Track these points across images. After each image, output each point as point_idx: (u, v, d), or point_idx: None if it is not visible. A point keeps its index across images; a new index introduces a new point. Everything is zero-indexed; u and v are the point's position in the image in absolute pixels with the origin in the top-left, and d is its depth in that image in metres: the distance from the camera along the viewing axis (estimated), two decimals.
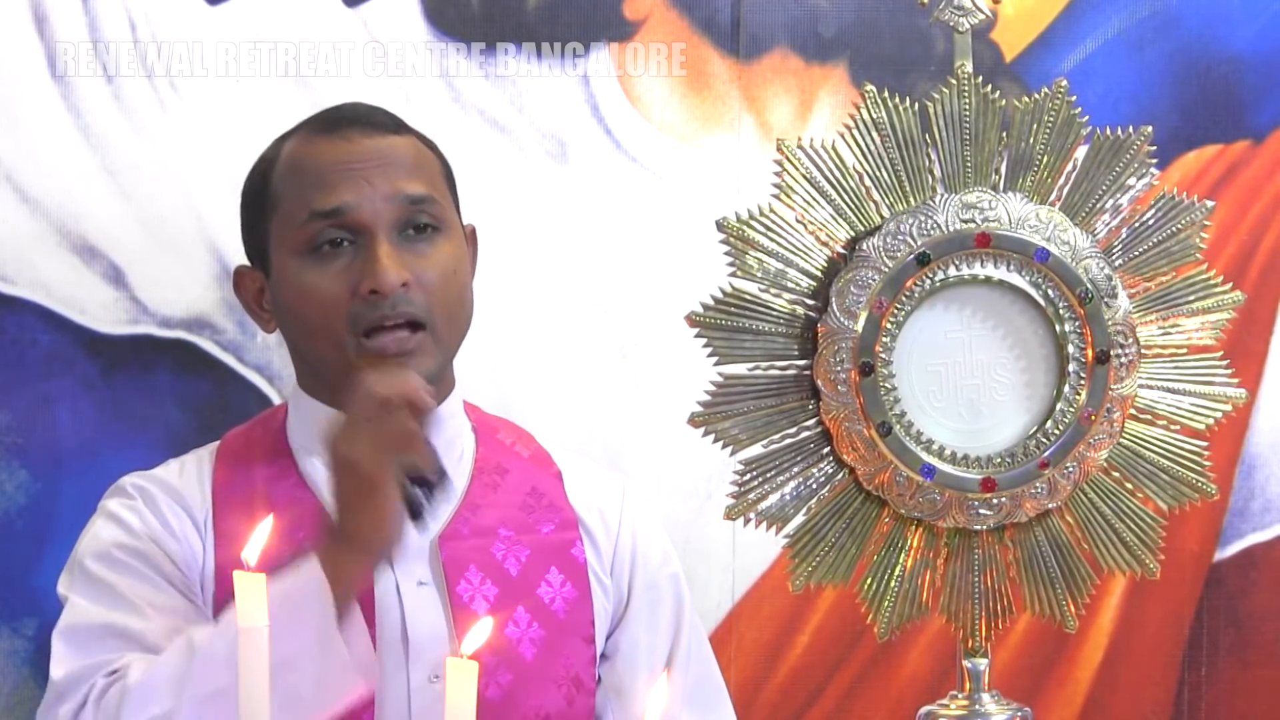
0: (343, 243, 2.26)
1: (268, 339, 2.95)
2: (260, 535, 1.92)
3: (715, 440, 2.26)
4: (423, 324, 2.27)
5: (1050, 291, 2.28)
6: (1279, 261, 3.19)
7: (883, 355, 2.25)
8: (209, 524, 2.28)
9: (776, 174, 2.25)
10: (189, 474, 2.32)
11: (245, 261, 2.37)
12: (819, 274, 2.26)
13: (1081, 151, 2.31)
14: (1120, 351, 2.29)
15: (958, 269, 2.27)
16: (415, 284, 2.26)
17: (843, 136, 2.27)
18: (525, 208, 3.03)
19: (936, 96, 2.28)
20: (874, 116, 2.26)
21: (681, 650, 2.41)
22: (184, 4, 2.97)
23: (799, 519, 2.28)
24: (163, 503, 2.29)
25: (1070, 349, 2.29)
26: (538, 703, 2.29)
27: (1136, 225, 2.33)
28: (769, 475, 2.27)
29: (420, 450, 2.15)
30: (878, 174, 2.26)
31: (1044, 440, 2.29)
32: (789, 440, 2.27)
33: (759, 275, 2.24)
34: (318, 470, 2.31)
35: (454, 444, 2.36)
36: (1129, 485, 2.33)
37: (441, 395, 2.33)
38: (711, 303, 2.24)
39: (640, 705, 1.98)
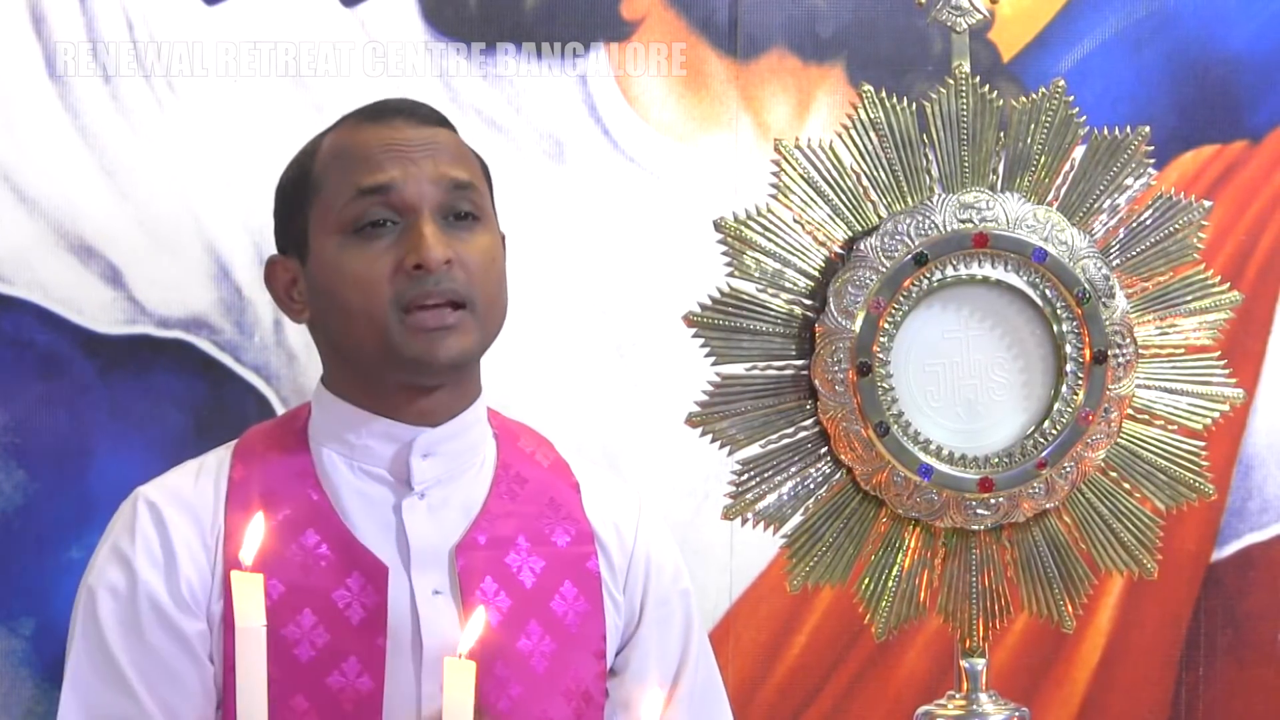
0: (386, 223, 2.26)
1: (265, 339, 2.95)
2: (254, 535, 1.92)
3: (713, 440, 2.26)
4: (464, 303, 2.26)
5: (1048, 291, 2.27)
6: (1276, 261, 3.19)
7: (880, 355, 2.24)
8: (220, 535, 2.27)
9: (774, 174, 2.25)
10: (205, 479, 2.31)
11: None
12: (816, 274, 2.26)
13: (1079, 151, 2.31)
14: (1118, 351, 2.29)
15: (955, 269, 2.26)
16: (458, 263, 2.25)
17: (840, 136, 2.26)
18: (523, 208, 3.02)
19: (934, 96, 2.28)
20: (871, 116, 2.26)
21: (689, 665, 2.41)
22: (182, 4, 2.97)
23: (796, 519, 2.27)
24: (171, 524, 2.27)
25: (1068, 349, 2.28)
26: (547, 716, 2.29)
27: (1134, 225, 2.33)
28: (767, 475, 2.26)
29: None
30: (875, 174, 2.26)
31: (1041, 440, 2.28)
32: (786, 440, 2.27)
33: (756, 275, 2.24)
34: (336, 469, 2.30)
35: (476, 450, 2.35)
36: (1126, 485, 2.33)
37: (468, 400, 2.33)
38: (709, 303, 2.24)
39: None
